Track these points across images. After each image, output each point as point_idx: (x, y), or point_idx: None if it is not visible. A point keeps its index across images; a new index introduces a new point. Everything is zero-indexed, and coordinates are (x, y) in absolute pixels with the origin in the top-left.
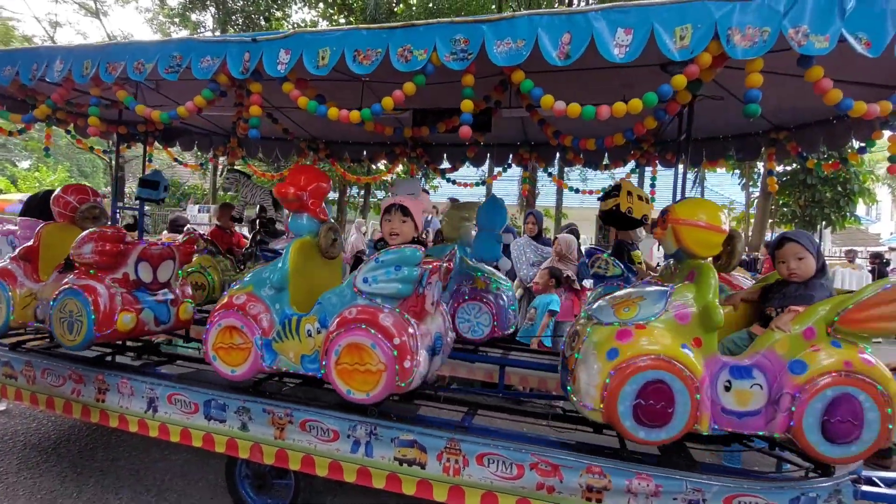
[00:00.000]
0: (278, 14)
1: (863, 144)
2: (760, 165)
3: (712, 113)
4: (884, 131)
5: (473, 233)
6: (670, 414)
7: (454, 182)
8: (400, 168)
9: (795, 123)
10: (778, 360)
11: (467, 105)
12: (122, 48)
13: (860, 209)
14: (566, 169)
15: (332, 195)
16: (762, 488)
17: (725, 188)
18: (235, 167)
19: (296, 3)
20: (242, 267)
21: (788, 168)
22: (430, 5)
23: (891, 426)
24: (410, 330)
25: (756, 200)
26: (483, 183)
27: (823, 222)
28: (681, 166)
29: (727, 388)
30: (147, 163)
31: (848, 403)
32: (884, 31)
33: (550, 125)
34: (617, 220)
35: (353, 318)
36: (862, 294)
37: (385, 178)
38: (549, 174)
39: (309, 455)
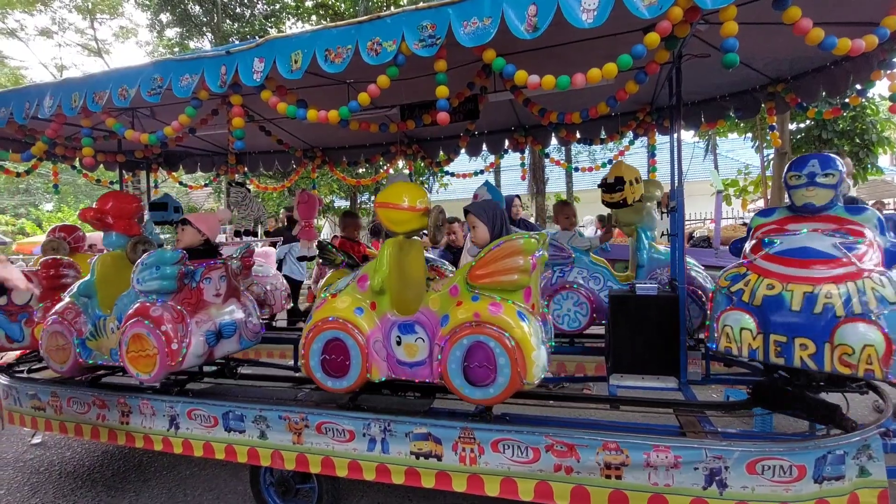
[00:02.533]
0: (273, 32)
1: (861, 87)
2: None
3: (705, 73)
4: (882, 71)
5: (656, 214)
6: (347, 366)
7: (453, 174)
8: (401, 164)
9: (792, 74)
10: (433, 315)
11: (442, 91)
12: (105, 77)
13: (883, 160)
14: (573, 150)
15: (344, 203)
16: (786, 450)
17: (739, 153)
18: (237, 181)
19: (289, 20)
20: None
21: (802, 125)
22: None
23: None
24: (179, 318)
25: (772, 161)
26: (482, 172)
27: None
28: (679, 132)
29: (398, 343)
30: (154, 188)
31: (481, 350)
32: None
33: (536, 104)
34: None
35: (133, 313)
36: (483, 251)
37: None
38: (547, 156)
39: (328, 457)
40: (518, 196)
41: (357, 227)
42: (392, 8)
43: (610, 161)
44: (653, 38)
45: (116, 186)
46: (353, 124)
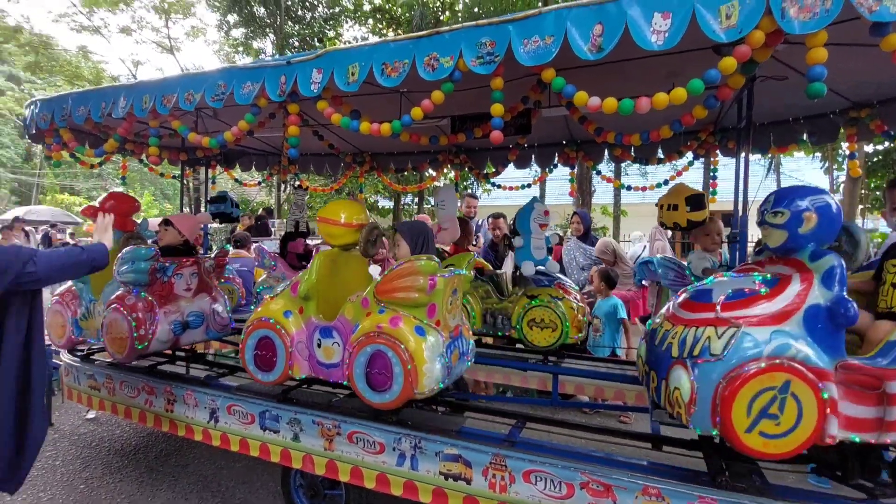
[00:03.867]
0: (331, 34)
1: None
2: (845, 146)
3: (778, 93)
4: None
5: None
6: (274, 362)
7: (499, 186)
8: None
9: (879, 98)
10: (347, 322)
11: (497, 109)
12: (174, 82)
13: None
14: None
15: (388, 203)
16: None
17: (805, 173)
18: (299, 184)
19: (347, 22)
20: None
21: (879, 147)
22: (476, 10)
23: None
24: (149, 308)
25: (842, 185)
26: (529, 185)
27: None
28: (747, 157)
29: (318, 345)
30: (212, 184)
31: (381, 358)
32: None
33: (592, 122)
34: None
35: (112, 300)
36: (388, 269)
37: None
38: (598, 173)
39: (357, 467)
40: (577, 212)
41: (470, 234)
42: (447, 13)
43: (666, 181)
44: (729, 62)
45: (177, 180)
46: (404, 135)
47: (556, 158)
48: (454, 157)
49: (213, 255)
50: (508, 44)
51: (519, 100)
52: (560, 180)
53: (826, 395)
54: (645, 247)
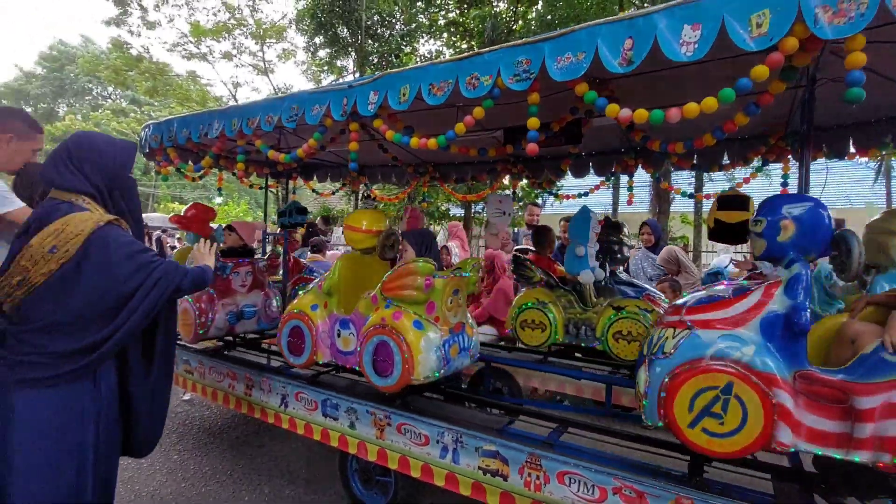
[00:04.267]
0: (407, 49)
1: None
2: None
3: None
4: None
5: None
6: (303, 348)
7: (556, 195)
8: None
9: None
10: (361, 316)
11: (533, 122)
12: (256, 106)
13: None
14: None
15: (459, 211)
16: None
17: None
18: (369, 194)
19: (423, 37)
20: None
21: None
22: (549, 17)
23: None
24: (209, 300)
25: None
26: (585, 195)
27: None
28: (807, 165)
29: (338, 335)
30: (292, 194)
31: (384, 348)
32: None
33: (639, 130)
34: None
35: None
36: (392, 270)
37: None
38: (658, 180)
39: (404, 456)
40: (647, 222)
41: (552, 242)
42: (520, 22)
43: (731, 188)
44: (761, 70)
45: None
46: (453, 148)
47: (615, 166)
48: (512, 166)
49: (266, 258)
50: (542, 61)
51: (568, 110)
52: (638, 187)
53: (775, 402)
54: (731, 258)
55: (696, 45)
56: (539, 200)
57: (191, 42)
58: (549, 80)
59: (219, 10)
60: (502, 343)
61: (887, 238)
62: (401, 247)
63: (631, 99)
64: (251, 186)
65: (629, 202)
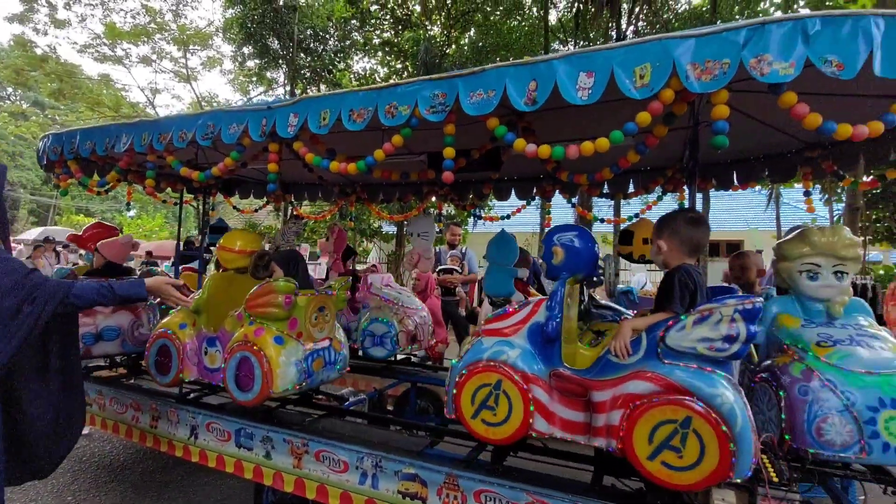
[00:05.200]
0: (341, 66)
1: None
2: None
3: (736, 134)
4: None
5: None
6: (170, 366)
7: (479, 217)
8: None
9: (830, 140)
10: (227, 333)
11: (449, 152)
12: (169, 122)
13: None
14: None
15: (392, 229)
16: None
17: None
18: (295, 214)
19: (357, 55)
20: None
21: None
22: (480, 44)
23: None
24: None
25: (841, 218)
26: (508, 217)
27: None
28: (694, 198)
29: (206, 353)
30: (211, 210)
31: (246, 363)
32: (856, 52)
33: (550, 161)
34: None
35: None
36: (254, 289)
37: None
38: (573, 205)
39: (323, 485)
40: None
41: (528, 265)
42: (452, 46)
43: (636, 215)
44: (643, 117)
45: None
46: (376, 172)
47: (535, 191)
48: (438, 188)
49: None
50: (457, 96)
51: (488, 138)
52: (563, 209)
53: (531, 396)
54: (647, 278)
55: (591, 91)
56: (470, 220)
57: (105, 44)
58: (465, 113)
59: (138, 13)
60: (429, 363)
61: (781, 263)
62: (272, 269)
63: (546, 129)
64: (164, 202)
65: (547, 225)
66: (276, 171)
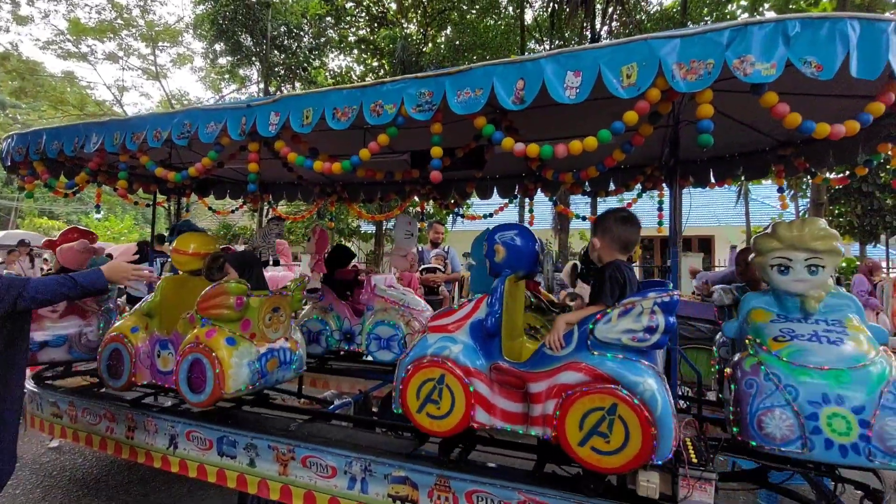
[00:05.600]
0: (316, 63)
1: (868, 158)
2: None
3: (715, 134)
4: (889, 143)
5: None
6: (122, 370)
7: (462, 216)
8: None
9: (802, 139)
10: (180, 336)
11: (436, 151)
12: (143, 120)
13: None
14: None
15: (371, 228)
16: None
17: (775, 199)
18: (274, 215)
19: (332, 52)
20: None
21: (842, 175)
22: (457, 42)
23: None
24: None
25: (806, 212)
26: (490, 216)
27: (887, 231)
28: (677, 195)
29: (158, 356)
30: (185, 212)
31: (198, 364)
32: (833, 54)
33: (535, 160)
34: None
35: None
36: (205, 291)
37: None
38: (555, 202)
39: (310, 491)
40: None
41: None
42: (430, 45)
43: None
44: (630, 116)
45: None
46: (360, 171)
47: (517, 189)
48: (420, 187)
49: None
50: (444, 95)
51: (472, 137)
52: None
53: (472, 389)
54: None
55: (578, 90)
56: (450, 218)
57: (69, 40)
58: (451, 111)
59: (104, 9)
60: None
61: (756, 258)
62: (226, 270)
63: (530, 128)
64: (136, 203)
65: (531, 223)
66: (257, 171)
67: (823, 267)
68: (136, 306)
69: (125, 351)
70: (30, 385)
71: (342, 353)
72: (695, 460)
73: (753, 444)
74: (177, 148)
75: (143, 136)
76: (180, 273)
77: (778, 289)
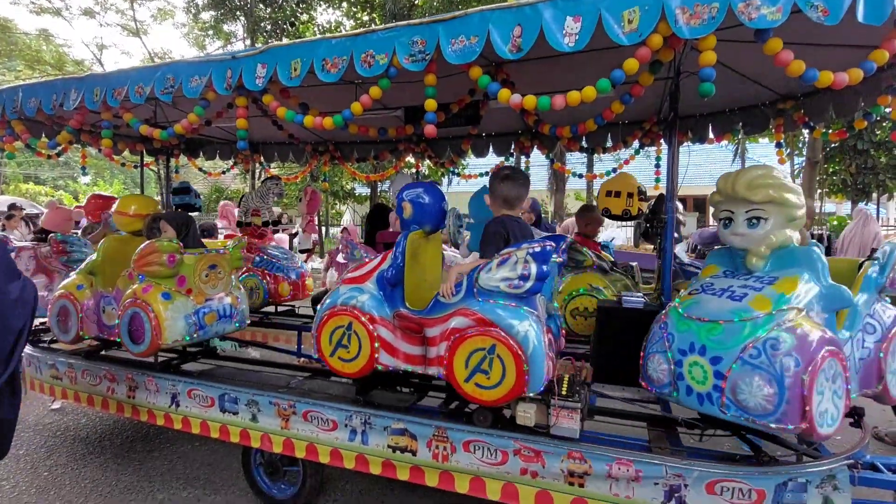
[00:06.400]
0: (304, 17)
1: (868, 111)
2: (806, 133)
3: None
4: (889, 96)
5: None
6: (69, 325)
7: (458, 174)
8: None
9: (803, 91)
10: (121, 292)
11: (430, 104)
12: (124, 75)
13: None
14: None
15: (365, 191)
16: (745, 473)
17: (772, 159)
18: (272, 177)
19: (320, 6)
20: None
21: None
22: None
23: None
24: None
25: (801, 171)
26: (487, 174)
27: (879, 189)
28: (675, 149)
29: (104, 311)
30: (175, 173)
31: (137, 318)
32: None
33: (531, 114)
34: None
35: None
36: (138, 249)
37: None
38: (551, 161)
39: (312, 444)
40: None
41: (598, 223)
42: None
43: (614, 170)
44: (631, 63)
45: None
46: (352, 128)
47: (513, 147)
48: (415, 145)
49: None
50: (437, 43)
51: (467, 91)
52: (538, 167)
53: (377, 334)
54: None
55: (578, 37)
56: (445, 179)
57: None
58: (446, 62)
59: None
60: None
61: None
62: (162, 228)
63: (526, 82)
64: (123, 165)
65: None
66: (246, 128)
67: (765, 220)
68: (81, 266)
69: (72, 307)
70: (27, 348)
71: None
72: (564, 393)
73: (642, 384)
74: (161, 105)
75: (125, 92)
76: (123, 233)
77: (728, 243)
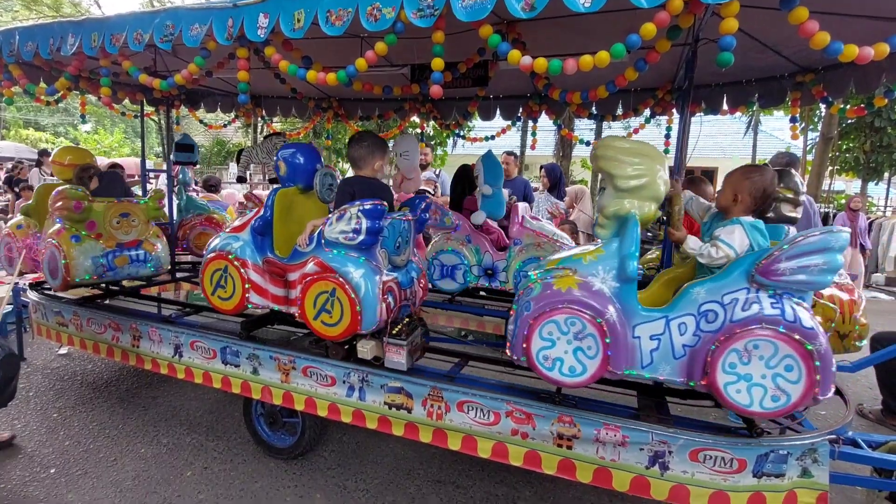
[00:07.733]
0: None
1: (889, 88)
2: (824, 107)
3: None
4: None
5: None
6: (13, 259)
7: (463, 137)
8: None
9: (823, 64)
10: (46, 233)
11: (437, 63)
12: (122, 21)
13: None
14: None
15: None
16: (729, 443)
17: (785, 132)
18: (273, 131)
19: None
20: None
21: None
22: None
23: None
24: None
25: (815, 147)
26: (492, 138)
27: (892, 169)
28: (688, 118)
29: (38, 250)
30: (176, 125)
31: (52, 256)
32: None
33: (541, 78)
34: None
35: None
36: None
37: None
38: (559, 126)
39: (311, 397)
40: (511, 153)
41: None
42: None
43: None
44: (649, 28)
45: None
46: (357, 84)
47: (521, 111)
48: (420, 105)
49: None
50: None
51: (476, 51)
52: (545, 132)
53: (247, 277)
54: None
55: None
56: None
57: None
58: (454, 19)
59: None
60: None
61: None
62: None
63: (538, 43)
64: (123, 114)
65: (532, 147)
66: (247, 81)
67: (604, 189)
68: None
69: (13, 244)
70: (33, 295)
71: (480, 290)
72: (395, 332)
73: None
74: (161, 54)
75: (124, 39)
76: (57, 180)
77: None
